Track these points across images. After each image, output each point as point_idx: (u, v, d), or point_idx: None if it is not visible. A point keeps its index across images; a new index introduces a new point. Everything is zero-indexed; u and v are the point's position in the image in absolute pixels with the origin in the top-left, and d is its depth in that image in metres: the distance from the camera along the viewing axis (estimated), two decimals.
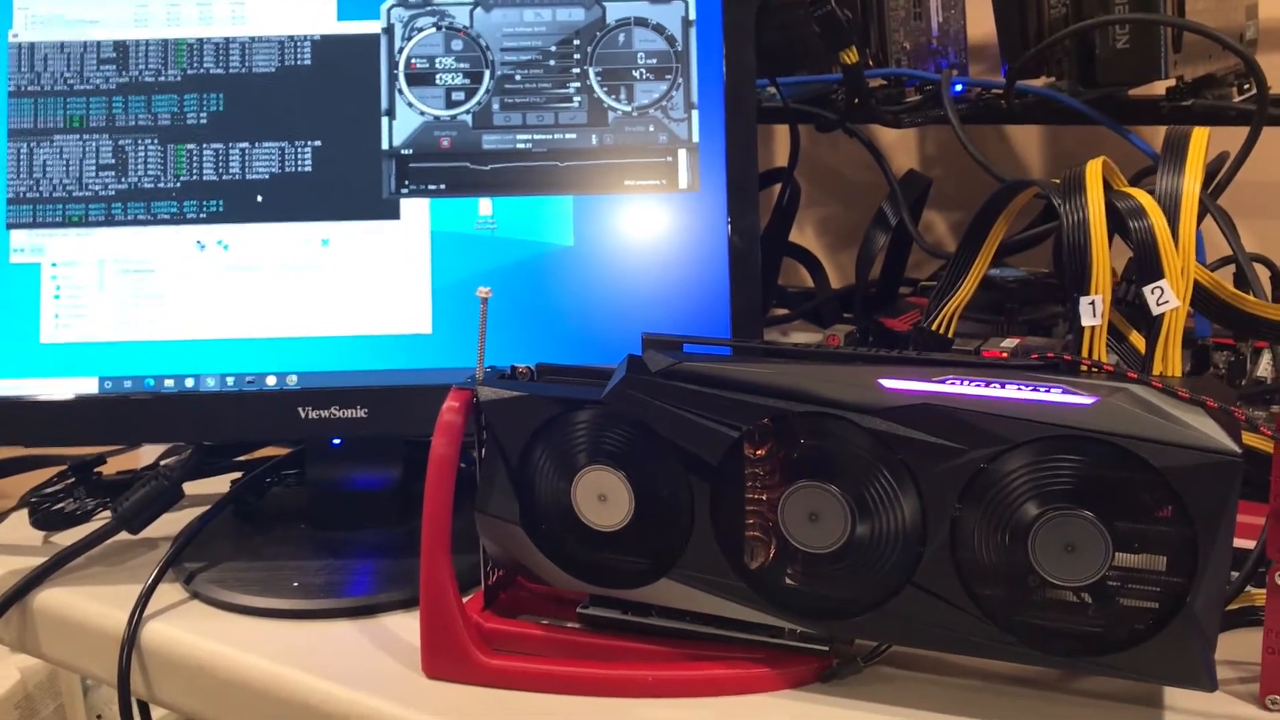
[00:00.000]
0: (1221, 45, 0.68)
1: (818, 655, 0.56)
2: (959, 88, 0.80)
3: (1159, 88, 0.80)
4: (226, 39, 0.70)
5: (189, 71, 0.70)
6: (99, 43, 0.70)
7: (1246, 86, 0.81)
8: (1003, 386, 0.50)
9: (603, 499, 0.57)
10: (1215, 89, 0.79)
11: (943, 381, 0.51)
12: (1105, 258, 0.51)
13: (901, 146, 1.11)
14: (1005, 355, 0.69)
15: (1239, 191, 1.00)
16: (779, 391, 0.53)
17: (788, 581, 0.55)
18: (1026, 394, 0.50)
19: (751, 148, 0.70)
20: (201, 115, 0.70)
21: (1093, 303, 0.51)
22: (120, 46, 0.70)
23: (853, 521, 0.53)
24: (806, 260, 1.03)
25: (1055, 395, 0.49)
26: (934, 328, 0.58)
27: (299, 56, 0.69)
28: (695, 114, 0.70)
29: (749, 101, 0.70)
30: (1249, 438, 0.53)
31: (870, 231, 0.85)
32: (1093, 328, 0.52)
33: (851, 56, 0.75)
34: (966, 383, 0.50)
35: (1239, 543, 0.53)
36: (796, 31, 0.84)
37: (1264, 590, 0.52)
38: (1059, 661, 0.51)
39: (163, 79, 0.70)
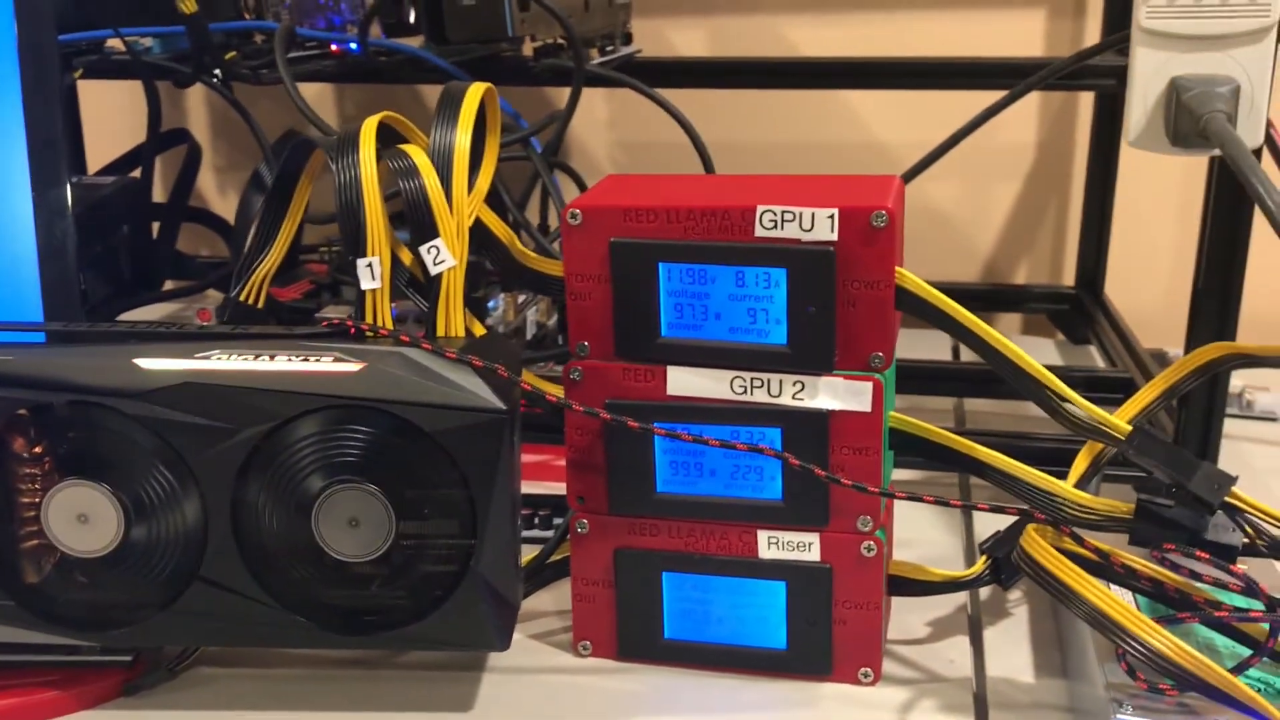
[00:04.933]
0: (546, 10, 0.69)
1: (121, 667, 0.51)
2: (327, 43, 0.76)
3: (528, 47, 0.81)
4: None
5: None
6: None
7: (609, 48, 0.85)
8: (272, 359, 0.47)
9: None
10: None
11: (207, 358, 0.47)
12: (380, 217, 0.49)
13: (322, 104, 1.07)
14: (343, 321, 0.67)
15: (636, 152, 1.05)
16: (33, 381, 0.47)
17: (69, 592, 0.49)
18: (294, 365, 0.47)
19: (54, 106, 0.61)
20: None
21: (370, 264, 0.49)
22: None
23: (126, 518, 0.47)
24: (215, 224, 0.96)
25: (324, 364, 0.47)
26: (243, 298, 0.54)
27: None
28: None
29: (49, 52, 0.61)
30: (543, 386, 0.54)
31: (246, 194, 0.80)
32: (373, 290, 0.50)
33: (189, 6, 0.68)
34: (233, 357, 0.47)
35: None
36: None
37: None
38: (356, 641, 0.49)
39: None
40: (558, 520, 0.63)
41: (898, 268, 0.48)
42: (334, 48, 0.79)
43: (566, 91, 0.73)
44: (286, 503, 0.48)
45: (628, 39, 0.90)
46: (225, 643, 0.50)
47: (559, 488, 0.55)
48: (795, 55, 0.98)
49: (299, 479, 0.47)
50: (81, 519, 0.47)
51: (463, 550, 0.48)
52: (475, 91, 0.52)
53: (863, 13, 0.98)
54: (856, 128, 0.99)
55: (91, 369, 0.47)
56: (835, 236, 0.47)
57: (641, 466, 0.52)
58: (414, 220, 0.50)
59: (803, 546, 0.51)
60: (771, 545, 0.51)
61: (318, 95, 1.06)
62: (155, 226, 0.90)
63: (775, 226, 0.48)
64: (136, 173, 0.90)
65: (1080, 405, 0.47)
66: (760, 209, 0.48)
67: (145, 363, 0.46)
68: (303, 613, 0.49)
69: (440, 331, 0.51)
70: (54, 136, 0.62)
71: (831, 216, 0.47)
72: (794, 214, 0.48)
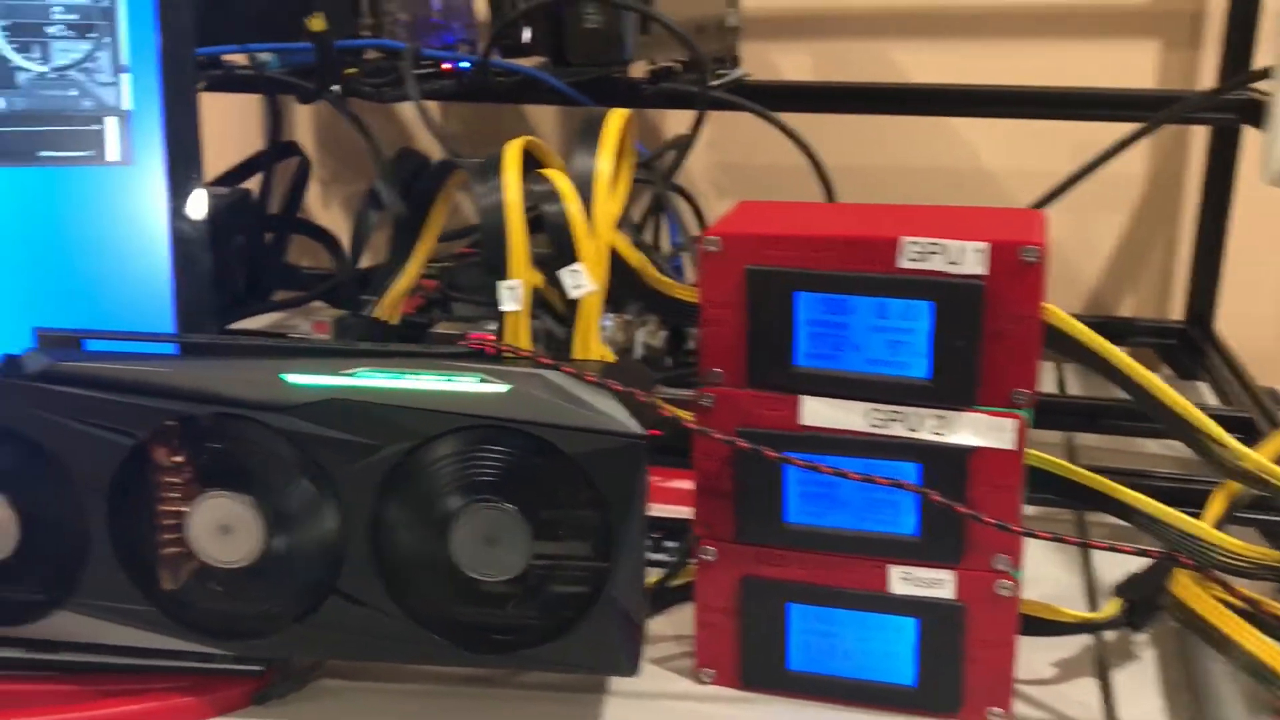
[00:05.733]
0: (672, 35, 0.69)
1: (252, 676, 0.52)
2: (442, 63, 0.77)
3: (643, 71, 0.81)
4: None
5: None
6: None
7: (722, 72, 0.85)
8: (417, 378, 0.47)
9: None
10: (695, 72, 0.81)
11: (353, 375, 0.47)
12: (522, 240, 0.50)
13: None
14: (492, 338, 0.68)
15: (736, 174, 1.04)
16: (180, 393, 0.48)
17: (208, 601, 0.50)
18: (440, 384, 0.47)
19: (193, 117, 0.63)
20: None
21: (512, 288, 0.50)
22: None
23: (268, 530, 0.48)
24: (321, 238, 0.98)
25: (469, 385, 0.47)
26: (378, 314, 0.55)
27: None
28: (126, 78, 0.62)
29: (188, 66, 0.63)
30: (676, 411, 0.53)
31: (362, 211, 0.81)
32: (513, 313, 0.50)
33: (318, 24, 0.70)
34: (378, 375, 0.47)
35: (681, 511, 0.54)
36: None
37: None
38: (488, 660, 0.49)
39: None
40: (670, 543, 0.63)
41: (1044, 303, 0.47)
42: (446, 66, 0.80)
43: (670, 113, 0.73)
44: (424, 520, 0.48)
45: (735, 62, 0.90)
46: (358, 657, 0.50)
47: (673, 510, 0.55)
48: (903, 81, 0.97)
49: (437, 497, 0.48)
50: (224, 529, 0.48)
51: (595, 573, 0.48)
52: (617, 118, 0.52)
53: (971, 39, 0.97)
54: (962, 154, 0.99)
55: (239, 382, 0.47)
56: (985, 270, 0.47)
57: (771, 496, 0.51)
58: (555, 244, 0.50)
59: (936, 583, 0.50)
60: (903, 581, 0.51)
61: (443, 112, 1.07)
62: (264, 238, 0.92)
63: (920, 259, 0.48)
64: (247, 185, 0.92)
65: (1237, 450, 0.46)
66: (905, 241, 0.48)
67: (292, 377, 0.47)
68: (435, 629, 0.49)
69: (577, 354, 0.51)
70: (191, 148, 0.63)
71: (981, 250, 0.47)
72: (941, 247, 0.47)
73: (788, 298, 0.49)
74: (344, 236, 0.99)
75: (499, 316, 0.75)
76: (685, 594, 0.55)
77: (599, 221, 0.50)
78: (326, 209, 1.11)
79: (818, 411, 0.50)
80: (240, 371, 0.47)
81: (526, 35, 0.81)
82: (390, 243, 0.55)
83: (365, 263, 0.84)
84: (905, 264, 0.48)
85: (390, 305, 0.55)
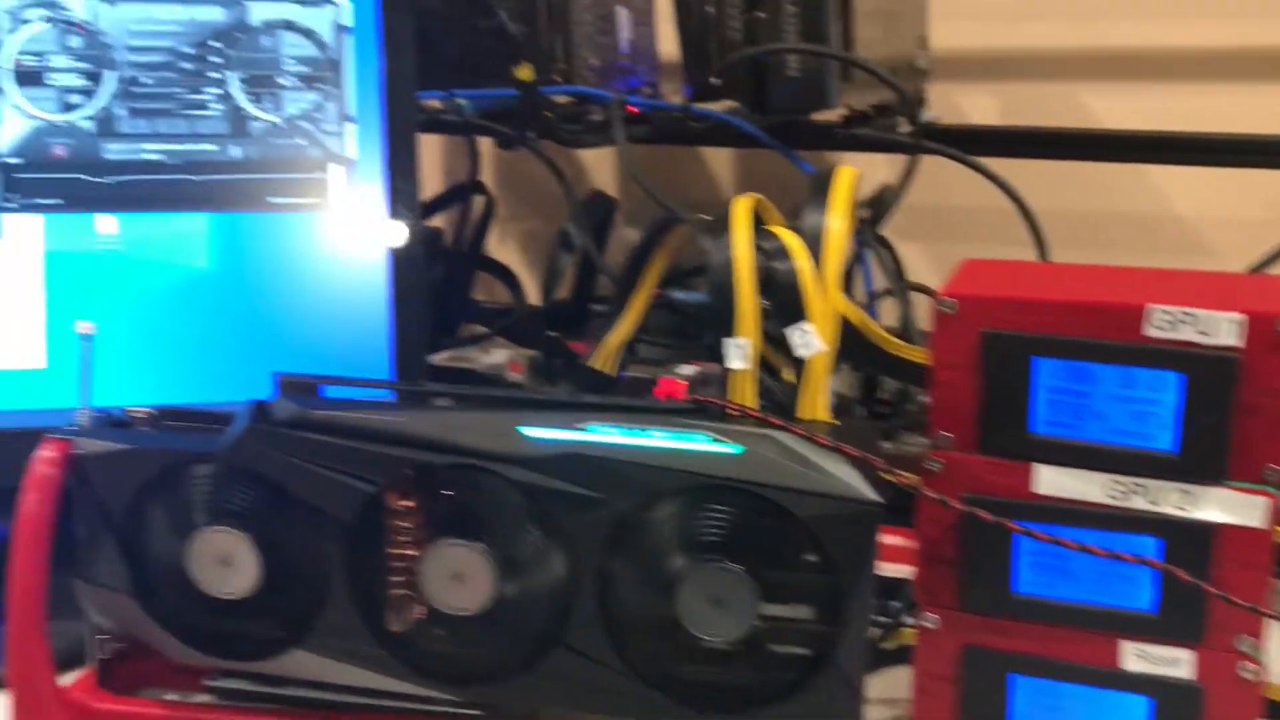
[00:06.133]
0: (879, 80, 0.68)
1: None
2: (639, 109, 0.78)
3: (834, 113, 0.81)
4: None
5: None
6: None
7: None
8: (649, 433, 0.48)
9: (226, 563, 0.50)
10: (887, 116, 0.80)
11: (587, 429, 0.48)
12: (752, 299, 0.50)
13: (601, 161, 1.09)
14: (683, 385, 0.68)
15: (909, 215, 1.03)
16: (419, 442, 0.49)
17: (435, 645, 0.51)
18: (673, 442, 0.47)
19: (412, 165, 0.65)
20: None
21: (740, 346, 0.50)
22: None
23: (500, 580, 0.49)
24: (503, 275, 1.00)
25: (701, 443, 0.47)
26: (595, 365, 0.55)
27: None
28: (351, 127, 0.64)
29: (409, 116, 0.65)
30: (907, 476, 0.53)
31: (554, 252, 0.82)
32: (741, 371, 0.50)
33: (526, 74, 0.71)
34: (611, 430, 0.48)
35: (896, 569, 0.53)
36: (475, 40, 0.80)
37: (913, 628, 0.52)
38: (705, 719, 0.49)
39: None
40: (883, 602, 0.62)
41: None
42: (632, 108, 0.81)
43: (855, 155, 0.72)
44: (651, 576, 0.48)
45: (924, 104, 0.89)
46: (579, 709, 0.51)
47: (888, 568, 0.53)
48: (1093, 125, 0.95)
49: (665, 554, 0.48)
50: (456, 577, 0.49)
51: (819, 636, 0.48)
52: (847, 176, 0.52)
53: (1164, 81, 0.94)
54: (1154, 200, 0.95)
55: (477, 433, 0.48)
56: (1239, 343, 0.45)
57: (999, 564, 0.50)
58: (785, 302, 0.50)
59: (1173, 662, 0.48)
60: (1137, 658, 0.49)
61: (591, 154, 1.09)
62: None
63: (1169, 327, 0.46)
64: (434, 221, 0.94)
65: None
66: (1154, 309, 0.46)
67: (530, 431, 0.48)
68: (658, 686, 0.49)
69: (802, 414, 0.51)
70: (410, 194, 0.65)
71: (1237, 322, 0.45)
72: (1192, 316, 0.46)
73: (1026, 363, 0.48)
74: (520, 272, 1.01)
75: (685, 359, 0.76)
76: (897, 656, 0.54)
77: (829, 280, 0.50)
78: (502, 245, 1.13)
79: (1054, 481, 0.49)
80: (477, 422, 0.48)
81: (714, 80, 0.82)
82: (613, 295, 0.55)
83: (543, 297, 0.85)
84: (1153, 332, 0.46)
85: (606, 356, 0.55)
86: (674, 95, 0.95)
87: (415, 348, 0.64)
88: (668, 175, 1.01)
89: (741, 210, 0.50)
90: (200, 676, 0.53)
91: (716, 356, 0.81)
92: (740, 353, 0.50)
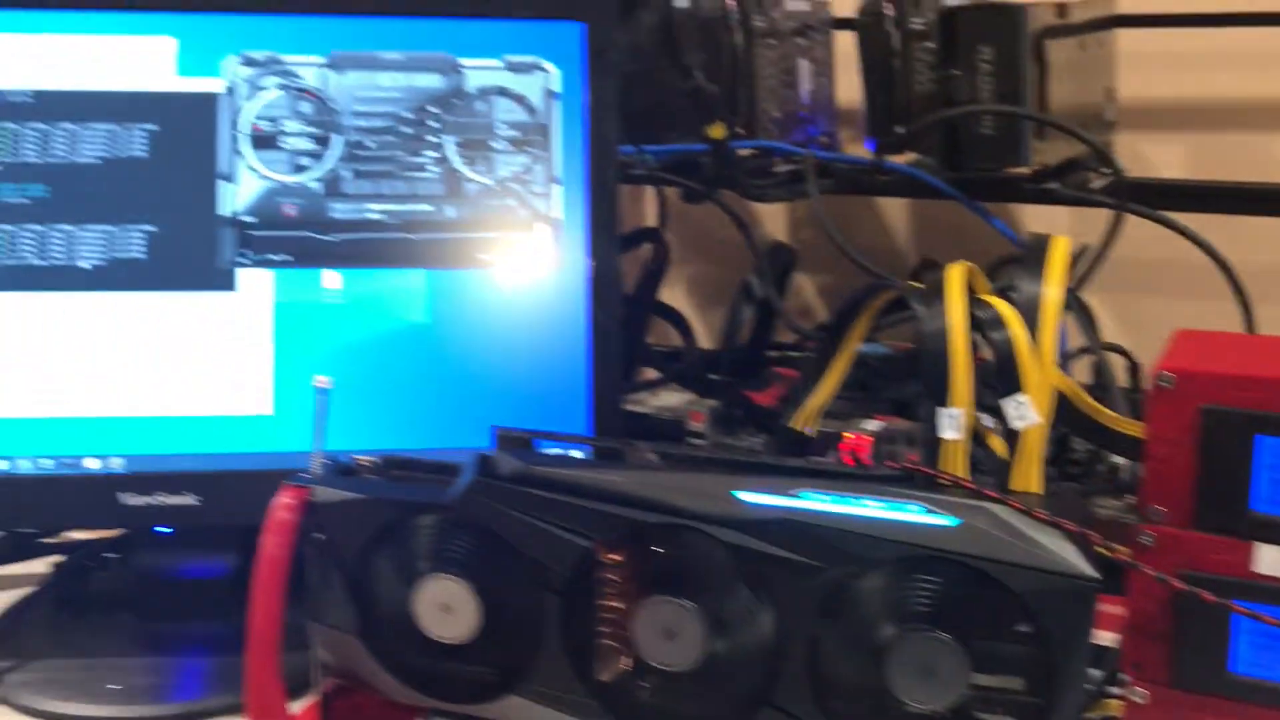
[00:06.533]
0: (1077, 139, 0.68)
1: None
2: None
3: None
4: (50, 127, 0.64)
5: (8, 160, 0.64)
6: None
7: (1106, 170, 0.83)
8: (862, 502, 0.48)
9: (447, 609, 0.53)
10: (1077, 172, 0.79)
11: (800, 495, 0.49)
12: (966, 369, 0.50)
13: (773, 208, 1.10)
14: (869, 440, 0.68)
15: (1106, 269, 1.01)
16: (634, 501, 0.51)
17: (644, 697, 0.52)
18: (887, 512, 0.48)
19: (614, 225, 0.67)
20: (22, 198, 0.64)
21: (953, 416, 0.50)
22: None
23: (709, 638, 0.50)
24: (674, 320, 1.02)
25: (915, 514, 0.48)
26: (795, 426, 0.57)
27: (131, 143, 0.64)
28: (557, 189, 0.67)
29: (612, 178, 0.67)
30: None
31: (736, 304, 0.84)
32: (954, 441, 0.50)
33: (718, 132, 0.73)
34: (825, 496, 0.49)
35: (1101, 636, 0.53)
36: (663, 97, 0.82)
37: (1118, 700, 0.51)
38: None
39: None
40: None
41: None
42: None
43: (1035, 209, 0.71)
44: (861, 643, 0.49)
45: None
46: None
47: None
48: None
49: (876, 622, 0.49)
50: (667, 633, 0.51)
51: (1030, 707, 0.48)
52: (1063, 247, 0.52)
53: None
54: None
55: (692, 494, 0.50)
56: None
57: (1215, 643, 0.49)
58: (1000, 372, 0.50)
59: None
60: None
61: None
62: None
63: None
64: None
65: None
66: None
67: (745, 495, 0.49)
68: None
69: (1016, 485, 0.51)
70: (611, 252, 0.67)
71: None
72: None
73: (1248, 440, 0.47)
74: (689, 316, 1.03)
75: (866, 413, 0.76)
76: None
77: (1045, 352, 0.50)
78: (669, 288, 1.15)
79: (1277, 560, 0.48)
80: (692, 484, 0.50)
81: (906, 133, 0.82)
82: (814, 359, 0.57)
83: (710, 344, 0.87)
84: None
85: (806, 417, 0.56)
86: (848, 145, 0.96)
87: (612, 397, 0.67)
88: (840, 224, 1.02)
89: (956, 278, 0.51)
90: (414, 716, 0.56)
91: (899, 411, 0.81)
92: (953, 422, 0.50)
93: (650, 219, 1.15)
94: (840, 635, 0.49)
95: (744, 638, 0.50)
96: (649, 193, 1.13)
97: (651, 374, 0.98)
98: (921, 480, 0.50)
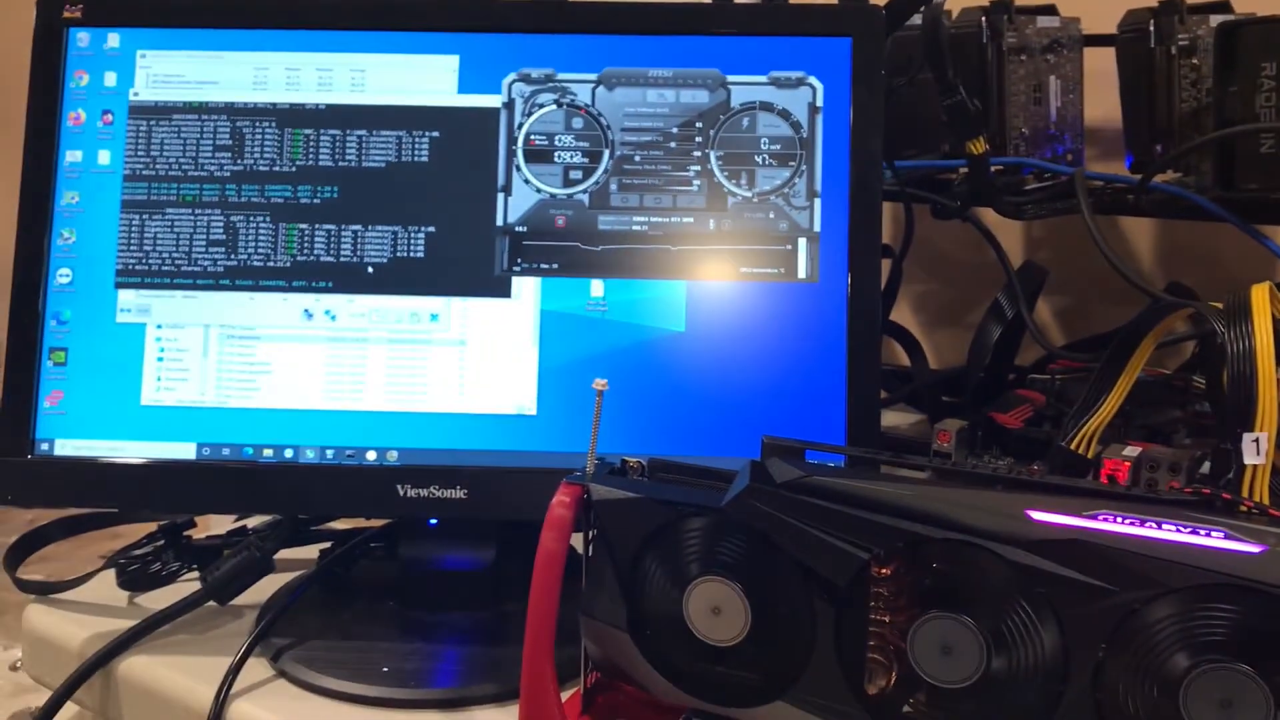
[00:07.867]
0: None
1: None
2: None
3: None
4: (342, 133, 0.69)
5: (303, 163, 0.69)
6: (215, 128, 0.69)
7: None
8: (1159, 526, 0.47)
9: (717, 611, 0.54)
10: None
11: (1094, 516, 0.48)
12: (1273, 391, 0.48)
13: (1007, 226, 1.08)
14: (1128, 465, 0.66)
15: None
16: (917, 515, 0.51)
17: (907, 710, 0.52)
18: (1187, 537, 0.46)
19: (875, 239, 0.67)
20: (315, 199, 0.69)
21: (1257, 440, 0.48)
22: (236, 134, 0.69)
23: (988, 656, 0.50)
24: (904, 339, 1.01)
25: (1218, 540, 0.46)
26: (1073, 447, 0.55)
27: (415, 151, 0.68)
28: (818, 202, 0.68)
29: (874, 192, 0.67)
30: None
31: (985, 324, 0.82)
32: (1255, 466, 0.48)
33: (979, 147, 0.72)
34: (1120, 519, 0.47)
35: None
36: (912, 111, 0.82)
37: None
38: None
39: (277, 169, 0.69)
40: None
41: None
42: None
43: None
44: (1152, 672, 0.47)
45: None
46: None
47: None
48: None
49: (1168, 651, 0.47)
50: (945, 650, 0.50)
51: None
52: None
53: None
54: None
55: (981, 512, 0.49)
56: None
57: None
58: None
59: None
60: None
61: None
62: None
63: None
64: None
65: None
66: None
67: (1037, 514, 0.48)
68: None
69: None
70: (873, 266, 0.67)
71: None
72: None
73: None
74: (918, 335, 1.02)
75: (1119, 437, 0.73)
76: None
77: None
78: (897, 307, 1.14)
79: None
80: (981, 501, 0.50)
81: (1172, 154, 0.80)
82: (1094, 375, 0.55)
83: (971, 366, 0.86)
84: None
85: (1085, 438, 0.55)
86: (1092, 163, 0.93)
87: (869, 411, 0.67)
88: (1080, 245, 0.99)
89: (1261, 298, 0.49)
90: (673, 716, 0.57)
91: (1152, 436, 0.78)
92: (1258, 447, 0.48)
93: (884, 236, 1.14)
94: (1130, 662, 0.48)
95: (1025, 659, 0.49)
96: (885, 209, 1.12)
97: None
98: (1222, 506, 0.48)
